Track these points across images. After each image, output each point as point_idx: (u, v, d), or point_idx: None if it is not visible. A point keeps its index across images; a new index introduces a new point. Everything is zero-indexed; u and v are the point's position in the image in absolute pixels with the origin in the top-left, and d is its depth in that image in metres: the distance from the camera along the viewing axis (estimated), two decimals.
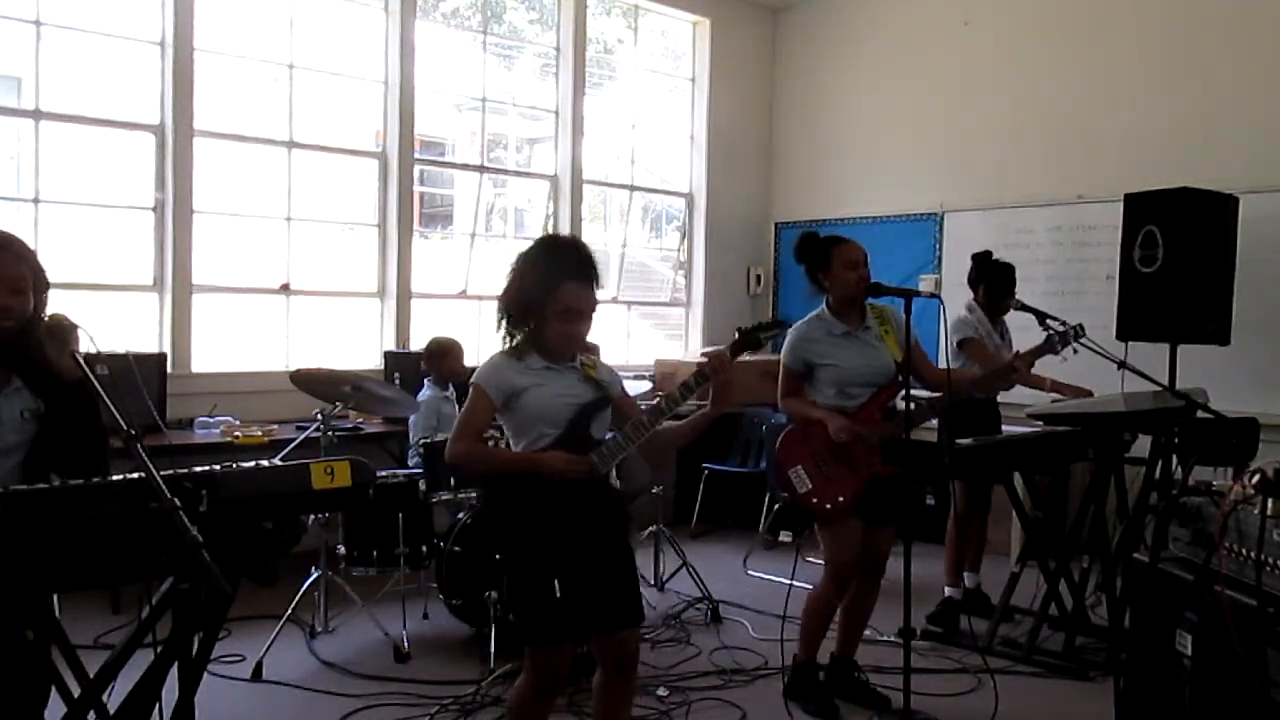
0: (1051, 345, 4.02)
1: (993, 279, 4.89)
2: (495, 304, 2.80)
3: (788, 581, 3.83)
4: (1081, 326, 4.07)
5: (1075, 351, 4.14)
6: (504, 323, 2.76)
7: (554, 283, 2.68)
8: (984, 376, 4.18)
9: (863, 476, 3.62)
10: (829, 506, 3.60)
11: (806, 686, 3.76)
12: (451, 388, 5.23)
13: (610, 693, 2.83)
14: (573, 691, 3.63)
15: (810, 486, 3.61)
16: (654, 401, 2.75)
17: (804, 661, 3.78)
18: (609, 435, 2.80)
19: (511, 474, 2.70)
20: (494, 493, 2.73)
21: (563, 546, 2.65)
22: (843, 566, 3.67)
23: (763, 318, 3.16)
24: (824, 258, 3.69)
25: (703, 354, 2.83)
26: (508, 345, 2.75)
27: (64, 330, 2.22)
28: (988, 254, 4.97)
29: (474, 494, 4.49)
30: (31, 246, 2.34)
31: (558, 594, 2.61)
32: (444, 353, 5.21)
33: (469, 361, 5.19)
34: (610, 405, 2.81)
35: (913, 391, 3.40)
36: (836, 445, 3.59)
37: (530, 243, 2.85)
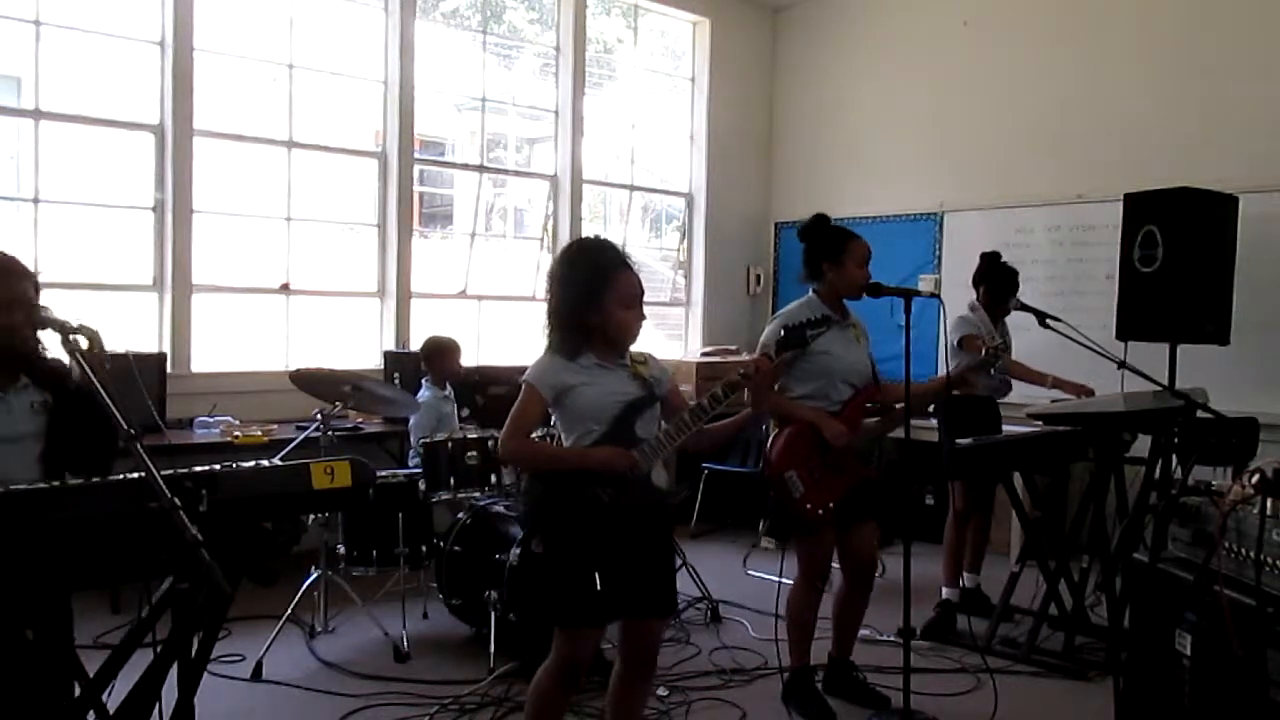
0: (984, 365, 3.98)
1: (996, 280, 4.93)
2: (545, 316, 2.83)
3: (786, 581, 3.82)
4: (1001, 346, 4.11)
5: (994, 374, 4.23)
6: (556, 331, 2.79)
7: (606, 274, 2.74)
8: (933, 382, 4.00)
9: (848, 481, 3.61)
10: (820, 512, 3.57)
11: (802, 694, 3.75)
12: (450, 387, 5.23)
13: (628, 688, 2.88)
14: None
15: (804, 491, 3.55)
16: (696, 401, 2.80)
17: (796, 670, 3.76)
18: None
19: (560, 469, 2.75)
20: (543, 485, 2.78)
21: (604, 537, 2.70)
22: (818, 572, 3.67)
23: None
24: (837, 249, 3.65)
25: (761, 351, 2.87)
26: (556, 345, 2.78)
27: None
28: (996, 255, 5.01)
29: (474, 494, 4.50)
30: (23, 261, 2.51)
31: (598, 587, 2.66)
32: (441, 352, 5.20)
33: (468, 361, 5.16)
34: (657, 403, 2.85)
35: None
36: (829, 449, 3.56)
37: (561, 251, 2.91)
